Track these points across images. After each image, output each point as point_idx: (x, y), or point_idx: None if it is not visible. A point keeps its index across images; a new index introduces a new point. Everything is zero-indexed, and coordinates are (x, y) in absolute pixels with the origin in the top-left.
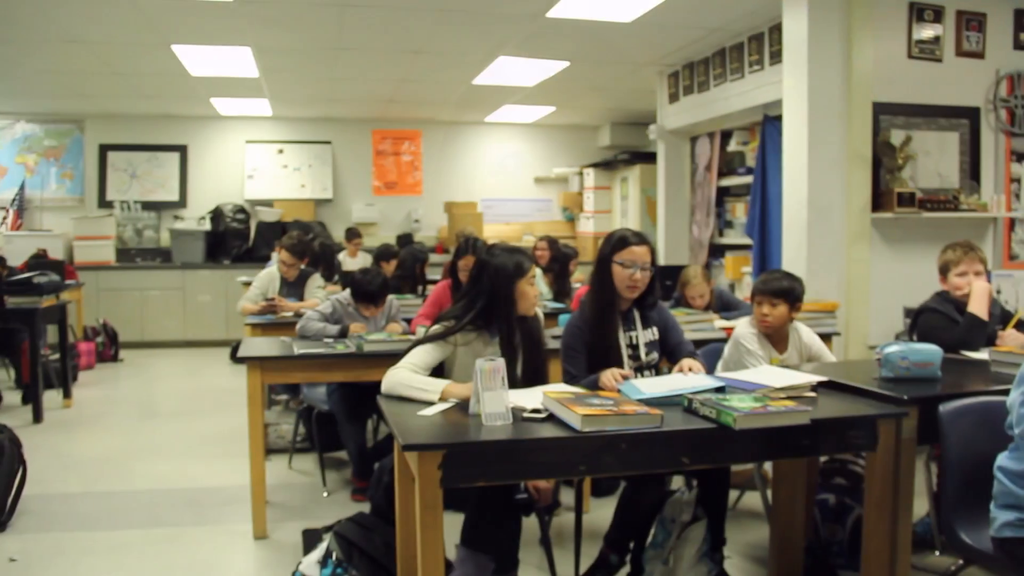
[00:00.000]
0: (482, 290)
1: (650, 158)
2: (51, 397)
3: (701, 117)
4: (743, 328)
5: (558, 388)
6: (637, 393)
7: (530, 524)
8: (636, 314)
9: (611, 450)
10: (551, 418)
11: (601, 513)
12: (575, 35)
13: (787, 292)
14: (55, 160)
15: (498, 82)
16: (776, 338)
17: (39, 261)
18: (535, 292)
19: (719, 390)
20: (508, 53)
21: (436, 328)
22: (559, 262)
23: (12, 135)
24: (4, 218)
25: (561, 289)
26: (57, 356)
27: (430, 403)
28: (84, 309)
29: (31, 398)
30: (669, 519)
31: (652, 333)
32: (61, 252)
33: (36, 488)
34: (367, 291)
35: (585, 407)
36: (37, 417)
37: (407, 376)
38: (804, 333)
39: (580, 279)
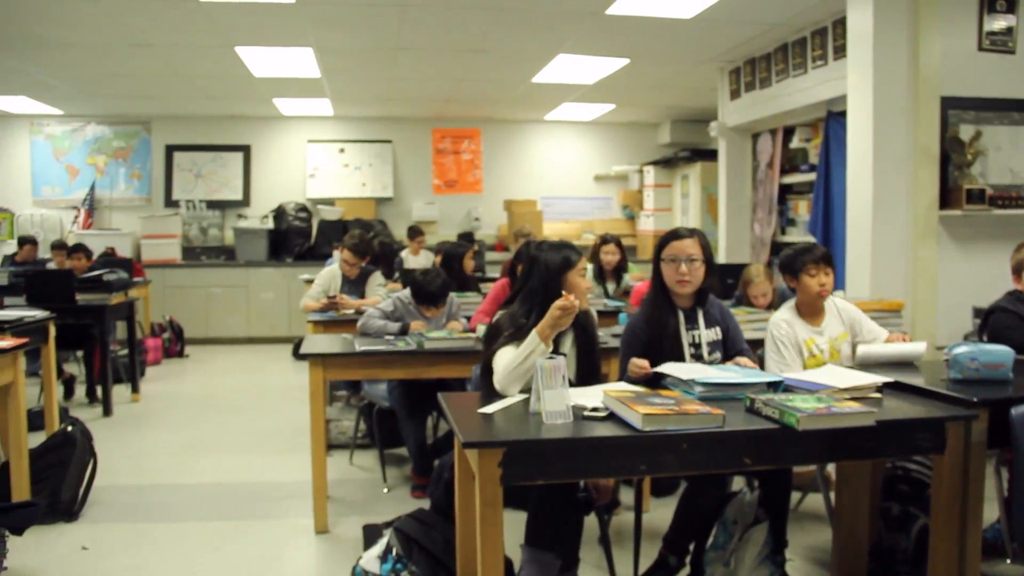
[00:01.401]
0: (535, 288)
1: (711, 155)
2: (120, 392)
3: (763, 114)
4: (775, 319)
5: (618, 387)
6: (687, 374)
7: (589, 523)
8: (700, 313)
9: (672, 450)
10: (612, 417)
11: (661, 513)
12: (635, 32)
13: (832, 258)
14: (124, 161)
15: (557, 80)
16: (811, 311)
17: (108, 259)
18: (586, 284)
19: (772, 385)
20: (567, 51)
21: (503, 322)
22: (593, 251)
23: (83, 137)
24: (76, 217)
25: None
26: (126, 352)
27: (542, 353)
28: (151, 306)
29: (95, 395)
30: (731, 521)
31: (715, 333)
32: (129, 250)
33: (106, 479)
34: (428, 292)
35: (646, 406)
36: (107, 411)
37: (510, 357)
38: (839, 300)
39: (640, 276)
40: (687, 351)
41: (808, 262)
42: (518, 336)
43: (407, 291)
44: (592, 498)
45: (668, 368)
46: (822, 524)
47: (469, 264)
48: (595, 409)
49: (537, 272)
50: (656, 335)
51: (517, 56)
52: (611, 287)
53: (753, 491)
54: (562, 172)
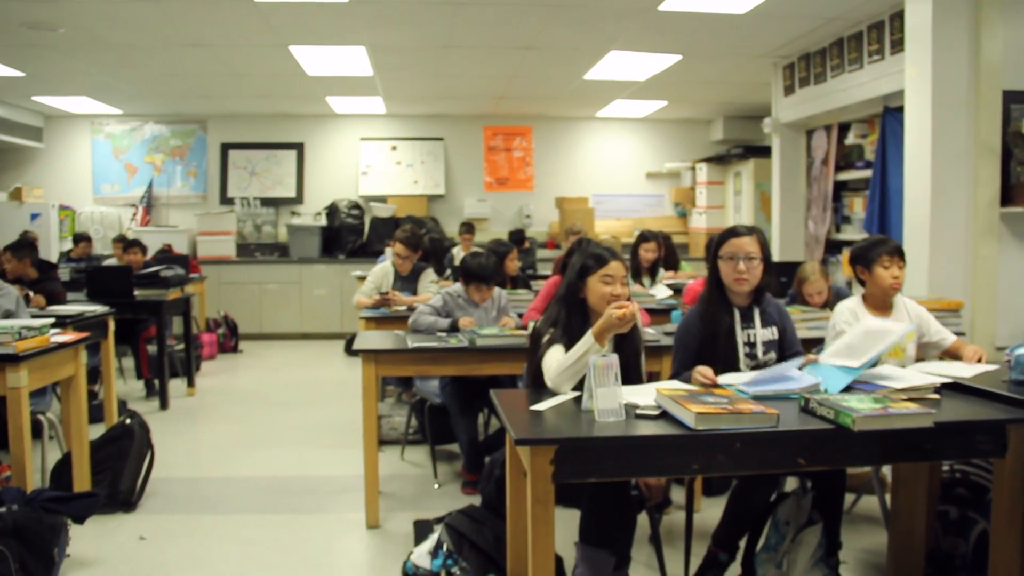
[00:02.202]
0: (562, 291)
1: (764, 152)
2: (176, 386)
3: (818, 109)
4: (840, 307)
5: (671, 385)
6: (741, 391)
7: (640, 522)
8: (756, 311)
9: (725, 449)
10: (664, 415)
11: (712, 512)
12: (687, 28)
13: (904, 253)
14: (180, 159)
15: (609, 77)
16: (879, 304)
17: (165, 255)
18: (609, 290)
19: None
20: (620, 47)
21: (541, 326)
22: (670, 252)
23: (141, 136)
24: (134, 215)
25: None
26: (182, 347)
27: (596, 352)
28: (206, 302)
29: (153, 390)
30: (783, 521)
31: (771, 332)
32: (185, 247)
33: (162, 471)
34: (477, 271)
35: (699, 405)
36: (163, 404)
37: (563, 358)
38: (908, 301)
39: (693, 274)
40: (741, 350)
41: (882, 253)
42: (559, 338)
43: (457, 286)
44: (643, 497)
45: (729, 379)
46: (877, 527)
47: (511, 265)
48: (648, 407)
49: (566, 275)
50: (710, 333)
51: (569, 53)
52: (646, 283)
53: (806, 492)
54: (614, 169)
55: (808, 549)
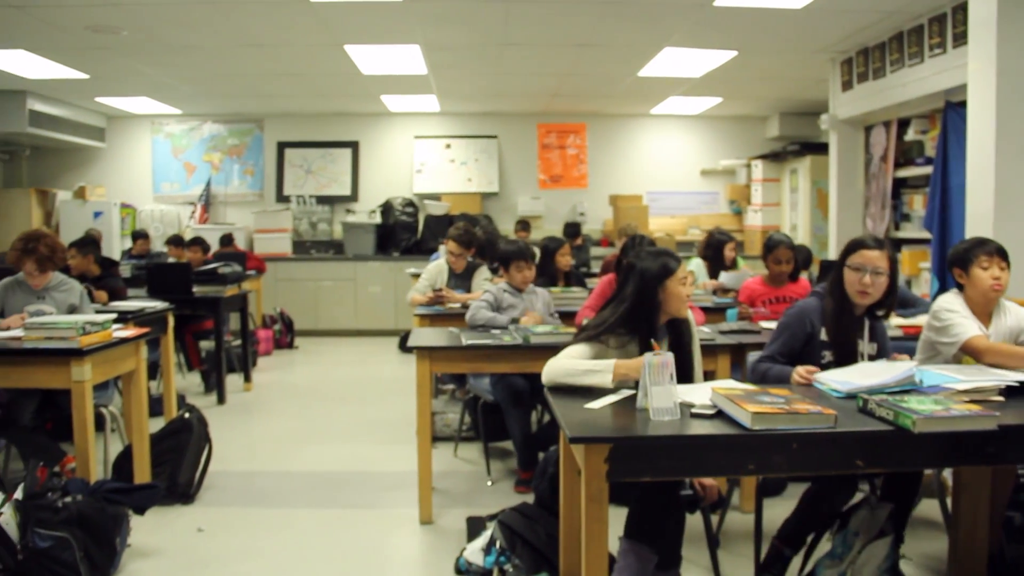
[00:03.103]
0: (628, 293)
1: (821, 149)
2: (233, 381)
3: (876, 105)
4: (945, 299)
5: (727, 384)
6: (835, 390)
7: (693, 521)
8: (866, 323)
9: (782, 449)
10: (720, 415)
11: (767, 514)
12: (743, 23)
13: (1007, 253)
14: (237, 158)
15: (664, 74)
16: (981, 309)
17: (225, 251)
18: (685, 292)
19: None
20: (674, 44)
21: (588, 326)
22: (712, 248)
23: (200, 135)
24: (193, 212)
25: (714, 276)
26: (239, 342)
27: (602, 387)
28: (263, 298)
29: (211, 384)
30: (853, 532)
31: (872, 348)
32: (242, 244)
33: (220, 465)
34: (513, 249)
35: (755, 404)
36: (220, 399)
37: (572, 363)
38: (1012, 311)
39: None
40: (858, 359)
41: (980, 254)
42: (595, 337)
43: (503, 282)
44: (698, 496)
45: (822, 377)
46: (938, 531)
47: (563, 260)
48: (703, 406)
49: (633, 279)
50: (834, 336)
51: (623, 50)
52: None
53: (876, 496)
54: (668, 167)
55: (875, 562)
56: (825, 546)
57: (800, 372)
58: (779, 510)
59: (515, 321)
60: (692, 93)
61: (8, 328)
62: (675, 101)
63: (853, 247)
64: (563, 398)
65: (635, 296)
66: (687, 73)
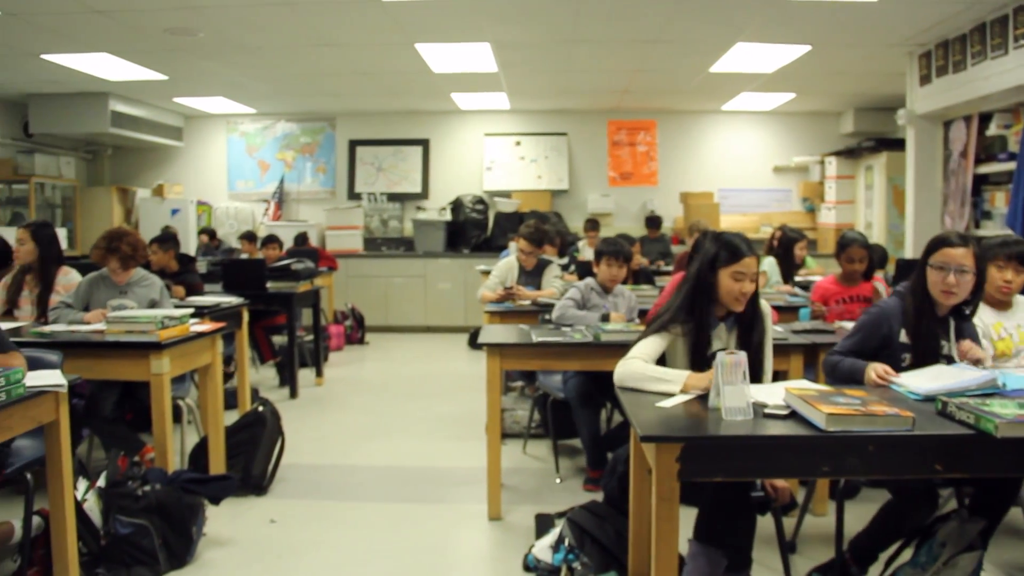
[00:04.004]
0: (689, 276)
1: (898, 145)
2: (305, 375)
3: (956, 100)
4: None
5: (801, 384)
6: (912, 392)
7: (764, 524)
8: (951, 322)
9: (857, 452)
10: (793, 415)
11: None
12: (818, 17)
13: None
14: (310, 156)
15: (736, 69)
16: (995, 302)
17: (299, 249)
18: (740, 288)
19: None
20: (747, 39)
21: (655, 317)
22: (783, 246)
23: (273, 134)
24: (266, 210)
25: (786, 274)
26: (311, 338)
27: (669, 394)
28: (334, 294)
29: (285, 378)
30: (940, 542)
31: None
32: (314, 241)
33: (292, 457)
34: (612, 243)
35: (830, 405)
36: (293, 393)
37: (643, 367)
38: None
39: (821, 271)
40: (940, 362)
41: (999, 254)
42: (662, 328)
43: (590, 279)
44: (769, 497)
45: (901, 378)
46: (1020, 540)
47: (635, 257)
48: (776, 406)
49: (695, 261)
50: (918, 343)
51: (695, 46)
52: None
53: (963, 506)
54: (740, 163)
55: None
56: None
57: (878, 371)
58: (850, 514)
59: (606, 319)
60: (764, 89)
61: (91, 322)
62: (747, 97)
63: (935, 245)
64: (634, 396)
65: (692, 279)
66: (759, 68)
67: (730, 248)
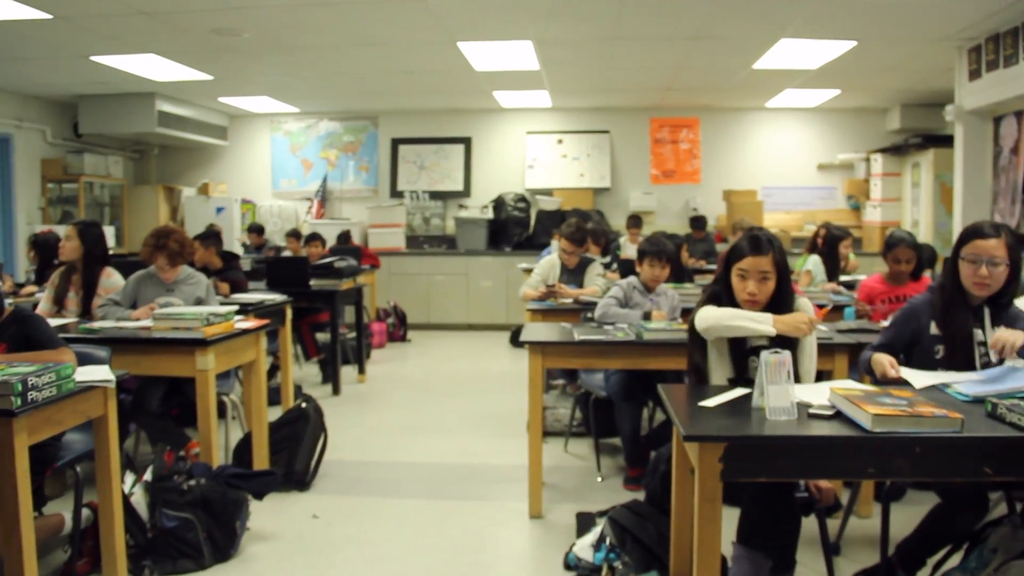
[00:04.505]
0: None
1: (946, 141)
2: (347, 372)
3: (1007, 94)
4: None
5: (846, 384)
6: (960, 394)
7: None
8: (986, 311)
9: (904, 454)
10: (838, 415)
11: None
12: (863, 12)
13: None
14: (353, 154)
15: (780, 66)
16: None
17: (342, 247)
18: (743, 287)
19: None
20: (791, 35)
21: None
22: (828, 244)
23: (317, 133)
24: (309, 208)
25: (831, 273)
26: (353, 335)
27: (763, 335)
28: (376, 292)
29: (327, 375)
30: (991, 548)
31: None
32: (357, 239)
33: (334, 454)
34: (655, 243)
35: (876, 406)
36: (335, 390)
37: (727, 311)
38: None
39: (855, 265)
40: (977, 351)
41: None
42: (715, 300)
43: (632, 277)
44: (813, 499)
45: (908, 375)
46: None
47: (684, 257)
48: (821, 407)
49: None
50: (947, 334)
51: (738, 42)
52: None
53: (1015, 511)
54: (783, 161)
55: None
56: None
57: (882, 361)
58: (896, 517)
59: (647, 317)
60: (809, 85)
61: (139, 319)
62: (791, 94)
63: (966, 236)
64: (677, 395)
65: (724, 270)
66: (804, 65)
67: (738, 245)
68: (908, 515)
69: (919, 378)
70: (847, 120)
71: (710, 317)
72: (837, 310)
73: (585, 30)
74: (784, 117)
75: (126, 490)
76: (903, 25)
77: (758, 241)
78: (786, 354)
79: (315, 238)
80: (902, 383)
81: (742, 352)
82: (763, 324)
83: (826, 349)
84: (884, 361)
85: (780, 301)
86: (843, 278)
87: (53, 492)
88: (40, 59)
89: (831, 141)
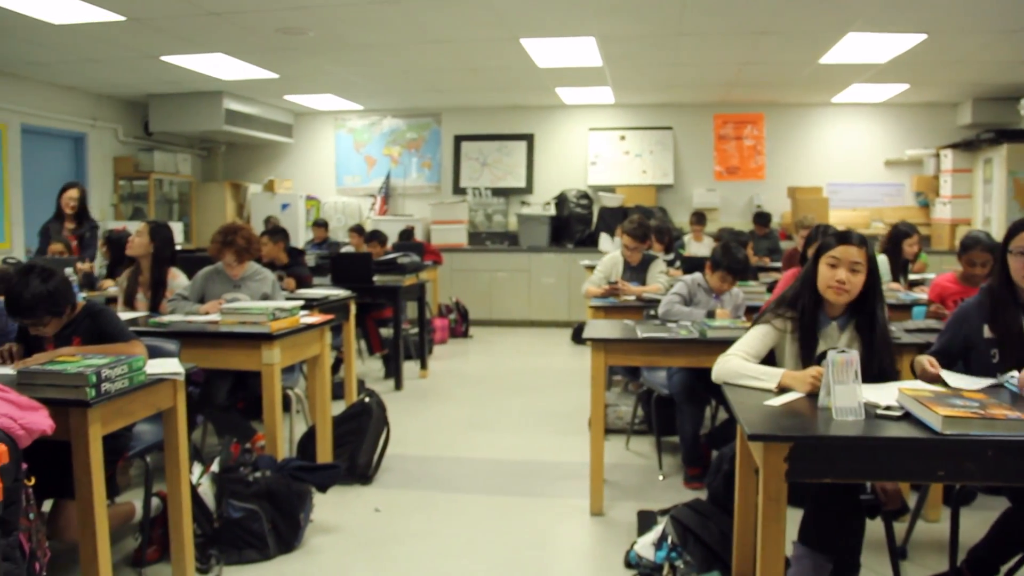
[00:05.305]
0: (805, 269)
1: (1020, 136)
2: (410, 368)
3: None
4: None
5: (915, 385)
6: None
7: (874, 528)
8: None
9: (975, 457)
10: (907, 417)
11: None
12: (934, 3)
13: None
14: (415, 151)
15: (847, 60)
16: None
17: (404, 243)
18: (832, 275)
19: None
20: (858, 29)
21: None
22: (892, 242)
23: (380, 130)
24: (373, 204)
25: (894, 272)
26: (416, 331)
27: (767, 391)
28: (439, 288)
29: (390, 370)
30: None
31: None
32: (419, 235)
33: (396, 448)
34: (735, 263)
35: (947, 407)
36: (398, 385)
37: (739, 364)
38: None
39: (923, 266)
40: None
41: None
42: (766, 320)
43: (697, 274)
44: (879, 501)
45: (948, 377)
46: None
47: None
48: (889, 407)
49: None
50: (1000, 333)
51: (804, 36)
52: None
53: None
54: (850, 157)
55: None
56: None
57: (921, 361)
58: (965, 522)
59: (711, 315)
60: (877, 80)
61: (207, 313)
62: (858, 89)
63: (1015, 229)
64: (742, 394)
65: (803, 272)
66: (872, 59)
67: (833, 235)
68: (979, 520)
69: (958, 381)
70: (916, 115)
71: (722, 370)
72: (905, 309)
73: (648, 26)
74: (851, 112)
75: (194, 481)
76: (975, 16)
77: (849, 233)
78: (853, 354)
79: (375, 238)
80: (941, 382)
81: (809, 354)
82: (768, 381)
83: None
84: (924, 360)
85: (866, 302)
86: (912, 277)
87: (121, 483)
88: (113, 60)
89: (899, 137)
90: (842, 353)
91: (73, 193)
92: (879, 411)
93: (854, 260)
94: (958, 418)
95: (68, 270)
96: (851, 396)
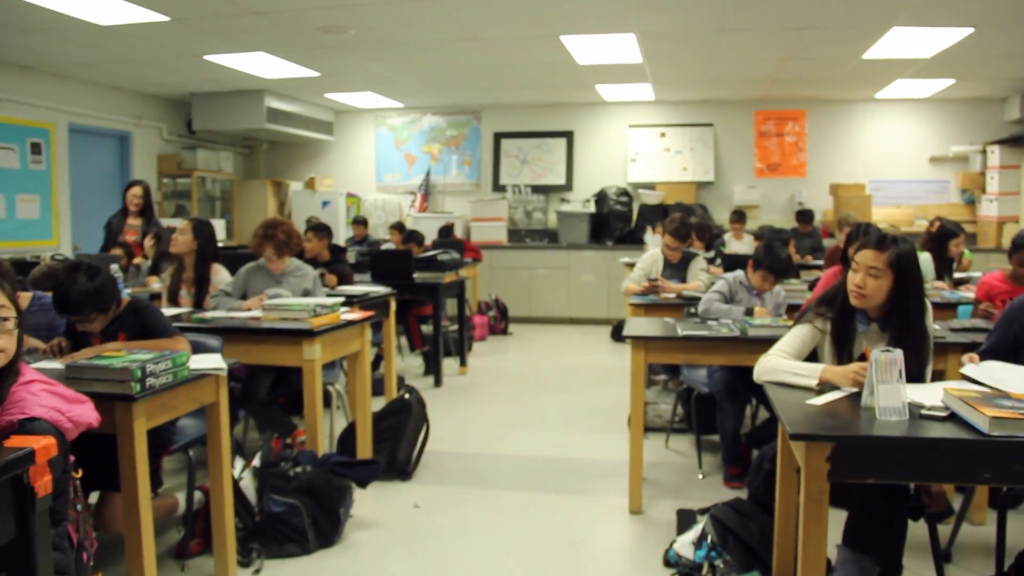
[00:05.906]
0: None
1: None
2: (449, 364)
3: None
4: None
5: (960, 385)
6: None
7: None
8: None
9: (1023, 458)
10: (952, 417)
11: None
12: None
13: None
14: (455, 148)
15: (891, 55)
16: None
17: (444, 240)
18: (851, 279)
19: None
20: (903, 23)
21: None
22: (936, 240)
23: (420, 127)
24: (413, 202)
25: (939, 270)
26: (455, 327)
27: (809, 389)
28: (479, 285)
29: (430, 366)
30: None
31: None
32: (459, 232)
33: (436, 445)
34: (778, 264)
35: (994, 408)
36: (437, 382)
37: (778, 362)
38: None
39: (996, 272)
40: None
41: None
42: (807, 320)
43: (739, 272)
44: (923, 503)
45: (970, 371)
46: None
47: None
48: (934, 407)
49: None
50: None
51: (847, 31)
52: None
53: None
54: (893, 154)
55: None
56: None
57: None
58: (1012, 525)
59: (750, 313)
60: (921, 75)
61: (249, 309)
62: (902, 84)
63: None
64: (783, 393)
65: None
66: (916, 54)
67: (868, 237)
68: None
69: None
70: (962, 110)
71: (762, 369)
72: (951, 308)
73: (689, 22)
74: (894, 108)
75: (236, 475)
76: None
77: (878, 238)
78: (897, 353)
79: (412, 239)
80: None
81: (845, 354)
82: (808, 377)
83: (939, 348)
84: (964, 358)
85: (898, 308)
86: (957, 275)
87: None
88: (157, 60)
89: (944, 133)
90: (886, 352)
91: (137, 190)
92: (923, 411)
93: (871, 265)
94: (1006, 419)
95: (113, 267)
96: (895, 396)
